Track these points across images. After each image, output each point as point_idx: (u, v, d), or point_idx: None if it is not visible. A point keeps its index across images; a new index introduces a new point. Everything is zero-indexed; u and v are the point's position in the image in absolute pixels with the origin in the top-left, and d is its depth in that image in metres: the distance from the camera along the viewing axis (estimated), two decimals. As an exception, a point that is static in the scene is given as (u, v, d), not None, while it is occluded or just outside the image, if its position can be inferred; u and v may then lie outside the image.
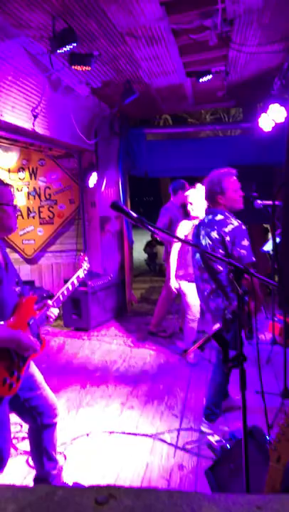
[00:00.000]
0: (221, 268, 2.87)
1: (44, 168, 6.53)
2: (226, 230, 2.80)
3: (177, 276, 4.47)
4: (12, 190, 2.07)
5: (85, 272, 2.55)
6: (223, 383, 3.05)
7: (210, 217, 2.97)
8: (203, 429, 3.06)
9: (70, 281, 2.40)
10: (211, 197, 2.99)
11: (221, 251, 2.81)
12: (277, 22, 3.68)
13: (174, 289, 4.53)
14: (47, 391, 2.26)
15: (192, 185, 5.22)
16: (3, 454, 2.01)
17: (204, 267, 2.97)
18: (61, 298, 2.29)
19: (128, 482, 2.56)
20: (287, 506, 0.61)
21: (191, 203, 4.37)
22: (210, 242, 2.88)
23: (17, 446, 2.92)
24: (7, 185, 2.07)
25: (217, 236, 2.83)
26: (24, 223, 6.56)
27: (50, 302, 2.23)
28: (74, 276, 2.44)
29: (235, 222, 2.83)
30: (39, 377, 2.25)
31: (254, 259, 2.75)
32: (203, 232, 2.97)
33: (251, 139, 6.25)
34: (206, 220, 3.01)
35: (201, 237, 2.98)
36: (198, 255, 3.04)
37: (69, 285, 2.36)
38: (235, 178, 2.98)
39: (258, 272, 1.89)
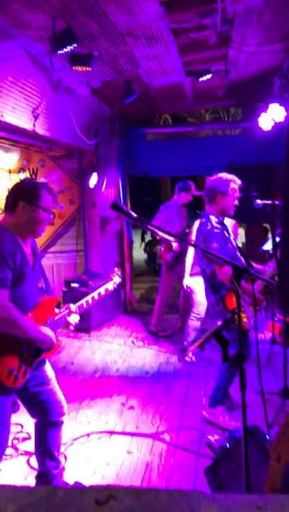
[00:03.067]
0: (203, 267, 3.03)
1: (44, 169, 6.52)
2: (202, 231, 2.98)
3: (190, 274, 4.51)
4: (53, 199, 2.08)
5: (115, 285, 2.57)
6: (231, 371, 3.08)
7: (201, 220, 3.15)
8: (204, 413, 3.19)
9: (98, 291, 2.41)
10: (211, 194, 3.07)
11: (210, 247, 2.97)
12: (277, 22, 3.68)
13: (186, 287, 4.56)
14: (56, 388, 2.28)
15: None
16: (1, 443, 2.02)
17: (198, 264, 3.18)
18: (84, 305, 2.30)
19: (128, 482, 2.56)
20: (287, 506, 0.61)
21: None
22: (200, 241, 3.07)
23: (18, 446, 2.92)
24: (52, 193, 2.09)
25: (197, 237, 3.05)
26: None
27: (73, 307, 2.24)
28: (103, 288, 2.46)
29: (209, 226, 2.97)
30: (50, 373, 2.26)
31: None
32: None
33: (251, 139, 6.24)
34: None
35: (195, 238, 3.19)
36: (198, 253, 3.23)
37: (95, 294, 2.38)
38: (238, 188, 3.10)
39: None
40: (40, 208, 2.02)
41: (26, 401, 2.22)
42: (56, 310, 2.20)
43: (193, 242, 3.08)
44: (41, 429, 2.30)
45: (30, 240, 2.13)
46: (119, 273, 2.64)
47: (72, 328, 2.23)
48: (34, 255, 2.13)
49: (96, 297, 2.37)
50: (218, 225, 2.97)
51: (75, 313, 2.23)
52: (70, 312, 2.22)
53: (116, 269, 2.69)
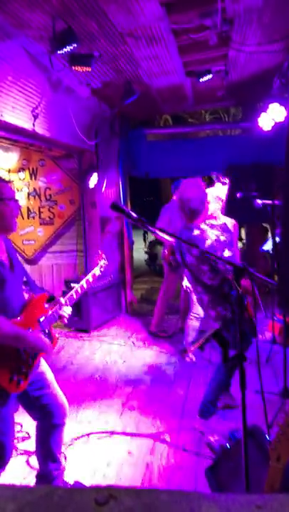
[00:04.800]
0: (209, 283, 2.76)
1: (44, 168, 6.52)
2: (206, 245, 2.71)
3: None
4: (11, 186, 2.05)
5: (102, 269, 2.49)
6: (224, 382, 3.06)
7: (188, 234, 2.86)
8: (197, 425, 3.09)
9: (85, 278, 2.35)
10: (202, 205, 2.84)
11: (204, 267, 2.74)
12: (277, 21, 3.68)
13: (186, 287, 4.52)
14: (57, 390, 2.26)
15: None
16: (6, 450, 2.01)
17: (195, 281, 2.87)
18: (74, 296, 2.25)
19: (128, 482, 2.56)
20: (287, 506, 0.61)
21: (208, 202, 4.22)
22: (193, 260, 2.78)
23: (17, 446, 2.92)
24: (7, 181, 2.05)
25: (198, 253, 2.74)
26: (24, 223, 6.55)
27: (62, 300, 2.19)
28: (89, 274, 2.39)
29: (213, 236, 2.75)
30: (50, 376, 2.24)
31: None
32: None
33: (251, 138, 6.25)
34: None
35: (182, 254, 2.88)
36: (186, 270, 2.91)
37: (84, 283, 2.32)
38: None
39: (258, 271, 1.89)
40: (5, 199, 1.95)
41: (27, 405, 2.20)
42: (46, 305, 2.15)
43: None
44: (43, 431, 2.28)
45: (4, 239, 2.05)
46: (104, 256, 2.54)
47: (65, 320, 2.17)
48: (9, 254, 2.04)
49: (85, 285, 2.30)
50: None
51: (66, 305, 2.19)
52: (61, 305, 2.17)
53: (100, 251, 2.63)
